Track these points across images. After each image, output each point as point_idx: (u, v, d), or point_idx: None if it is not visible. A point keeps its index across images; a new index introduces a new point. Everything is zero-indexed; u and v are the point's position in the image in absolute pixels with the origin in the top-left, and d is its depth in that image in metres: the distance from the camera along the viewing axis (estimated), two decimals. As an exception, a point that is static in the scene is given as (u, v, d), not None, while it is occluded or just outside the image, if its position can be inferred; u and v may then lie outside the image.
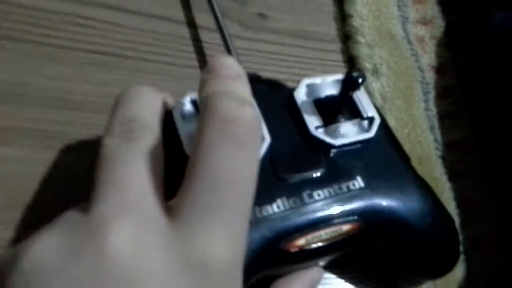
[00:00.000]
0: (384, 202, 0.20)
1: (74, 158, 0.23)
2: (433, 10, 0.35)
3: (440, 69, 0.32)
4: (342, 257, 0.21)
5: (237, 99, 0.15)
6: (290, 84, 0.30)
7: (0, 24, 0.26)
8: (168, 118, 0.19)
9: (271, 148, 0.19)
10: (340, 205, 0.19)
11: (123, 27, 0.28)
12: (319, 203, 0.19)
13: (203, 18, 0.30)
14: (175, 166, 0.16)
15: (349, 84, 0.20)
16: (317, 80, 0.22)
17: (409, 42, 0.33)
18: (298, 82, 0.30)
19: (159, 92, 0.20)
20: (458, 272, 0.25)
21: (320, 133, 0.21)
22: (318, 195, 0.19)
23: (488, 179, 0.29)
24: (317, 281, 0.22)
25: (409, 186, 0.21)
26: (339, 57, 0.32)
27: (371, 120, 0.22)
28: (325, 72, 0.31)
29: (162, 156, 0.17)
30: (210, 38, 0.30)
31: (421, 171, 0.27)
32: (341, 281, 0.25)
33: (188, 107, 0.20)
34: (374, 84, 0.30)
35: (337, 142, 0.20)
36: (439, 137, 0.29)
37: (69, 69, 0.26)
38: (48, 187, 0.23)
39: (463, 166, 0.29)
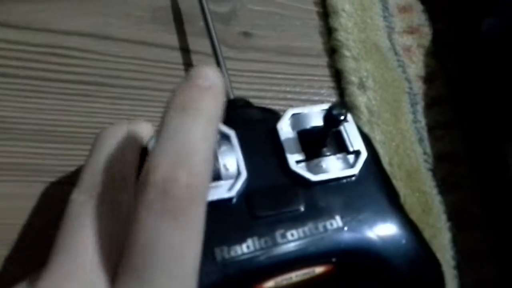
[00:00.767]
0: (363, 244, 0.18)
1: (59, 191, 0.24)
2: (419, 18, 0.34)
3: (428, 79, 0.32)
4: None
5: (182, 159, 0.14)
6: (277, 102, 0.30)
7: (-16, 60, 0.26)
8: (143, 151, 0.19)
9: (247, 183, 0.19)
10: (314, 246, 0.18)
11: (106, 55, 0.28)
12: (292, 244, 0.18)
13: (189, 42, 0.30)
14: None
15: (330, 121, 0.19)
16: (303, 110, 0.22)
17: (396, 53, 0.32)
18: (285, 99, 0.31)
19: (139, 124, 0.20)
20: (451, 286, 0.25)
21: (300, 168, 0.20)
22: (292, 235, 0.18)
23: (479, 191, 0.28)
24: None
25: (392, 226, 0.19)
26: (326, 71, 0.32)
27: (357, 154, 0.21)
28: (311, 87, 0.31)
29: (129, 208, 0.16)
30: (196, 61, 0.30)
31: (410, 185, 0.27)
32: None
33: None
34: (361, 98, 0.30)
35: (317, 178, 0.19)
36: (428, 149, 0.29)
37: (52, 101, 0.26)
38: (34, 220, 0.23)
39: (454, 178, 0.29)
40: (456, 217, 0.27)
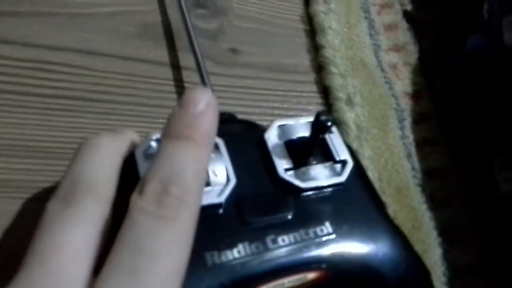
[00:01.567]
0: (353, 250, 0.19)
1: (41, 207, 0.23)
2: (404, 36, 0.35)
3: (415, 95, 0.32)
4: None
5: (175, 171, 0.16)
6: (264, 118, 0.30)
7: (-34, 74, 0.26)
8: (130, 158, 0.19)
9: (237, 190, 0.19)
10: (305, 252, 0.18)
11: (92, 70, 0.28)
12: (283, 249, 0.18)
13: (176, 57, 0.30)
14: None
15: (318, 127, 0.20)
16: (289, 121, 0.22)
17: (382, 70, 0.33)
18: (273, 115, 0.31)
19: (122, 135, 0.20)
20: (443, 303, 0.25)
21: (289, 176, 0.20)
22: (283, 240, 0.18)
23: (469, 206, 0.28)
24: None
25: (380, 234, 0.20)
26: (313, 88, 0.32)
27: (343, 163, 0.21)
28: (299, 103, 0.31)
29: (105, 217, 0.16)
30: (183, 76, 0.30)
31: (399, 200, 0.27)
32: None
33: (152, 146, 0.20)
34: (349, 114, 0.30)
35: (306, 185, 0.20)
36: (416, 165, 0.29)
37: (35, 116, 0.25)
38: (16, 237, 0.22)
39: (443, 194, 0.28)
40: (447, 233, 0.27)
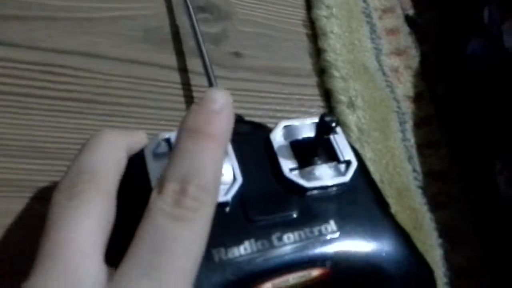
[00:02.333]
0: (357, 248, 0.19)
1: (46, 207, 0.23)
2: (406, 40, 0.35)
3: (416, 99, 0.33)
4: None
5: (193, 172, 0.16)
6: (267, 121, 0.30)
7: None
8: (139, 157, 0.20)
9: (243, 189, 0.19)
10: (310, 249, 0.18)
11: (97, 73, 0.28)
12: (288, 247, 0.18)
13: (179, 61, 0.31)
14: (143, 206, 0.16)
15: (323, 128, 0.20)
16: (294, 122, 0.22)
17: (384, 74, 0.33)
18: (275, 118, 0.31)
19: (130, 133, 0.21)
20: (444, 304, 0.25)
21: (294, 175, 0.20)
22: (288, 238, 0.18)
23: (469, 208, 0.28)
24: None
25: (384, 232, 0.20)
26: (316, 91, 0.33)
27: (348, 163, 0.21)
28: (302, 106, 0.32)
29: (108, 209, 0.17)
30: (187, 79, 0.30)
31: (400, 202, 0.27)
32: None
33: (160, 145, 0.20)
34: (350, 117, 0.30)
35: (311, 184, 0.20)
36: (418, 167, 0.29)
37: (41, 118, 0.26)
38: (21, 236, 0.22)
39: (444, 196, 0.29)
40: (447, 234, 0.27)
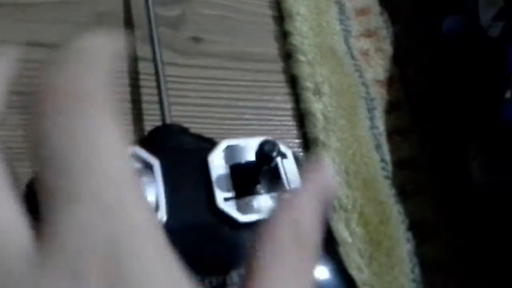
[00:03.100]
0: None
1: None
2: (377, 21, 0.33)
3: (386, 83, 0.31)
4: None
5: None
6: (228, 111, 0.29)
7: None
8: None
9: (167, 219, 0.17)
10: None
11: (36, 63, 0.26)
12: None
13: (135, 48, 0.29)
14: None
15: (262, 158, 0.18)
16: (239, 142, 0.20)
17: (353, 57, 0.31)
18: (236, 107, 0.29)
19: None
20: (411, 300, 0.24)
21: (228, 206, 0.18)
22: (210, 282, 0.16)
23: (439, 198, 0.27)
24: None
25: (325, 271, 0.18)
26: (280, 77, 0.31)
27: None
28: (265, 94, 0.30)
29: None
30: (142, 68, 0.28)
31: (367, 194, 0.26)
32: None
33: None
34: (316, 104, 0.29)
35: (245, 218, 0.18)
36: (386, 156, 0.28)
37: None
38: None
39: (413, 186, 0.27)
40: (416, 227, 0.26)
